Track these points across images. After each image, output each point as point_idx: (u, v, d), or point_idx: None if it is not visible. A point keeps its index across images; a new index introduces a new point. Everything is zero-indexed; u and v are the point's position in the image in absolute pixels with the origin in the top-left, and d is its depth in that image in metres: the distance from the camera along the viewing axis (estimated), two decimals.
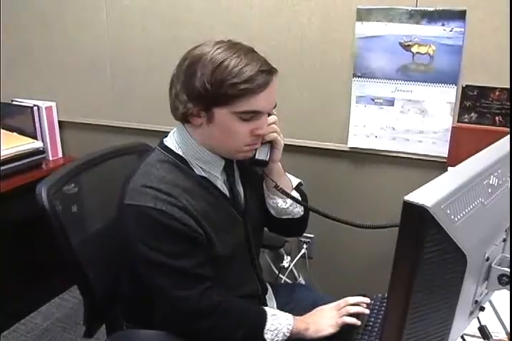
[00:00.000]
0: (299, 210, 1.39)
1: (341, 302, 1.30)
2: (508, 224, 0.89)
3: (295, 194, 1.37)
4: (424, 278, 0.68)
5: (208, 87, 1.11)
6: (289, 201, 1.35)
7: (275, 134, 1.26)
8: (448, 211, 0.67)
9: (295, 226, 1.46)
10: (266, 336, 1.20)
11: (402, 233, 0.66)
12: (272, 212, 1.38)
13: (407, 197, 0.64)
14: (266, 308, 1.27)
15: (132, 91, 2.29)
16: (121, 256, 1.28)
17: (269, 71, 1.14)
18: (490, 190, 0.78)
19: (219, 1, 2.00)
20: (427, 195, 0.65)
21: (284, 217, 1.39)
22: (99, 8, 2.20)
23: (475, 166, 0.77)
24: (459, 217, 0.69)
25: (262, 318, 1.22)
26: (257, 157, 1.25)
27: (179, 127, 1.24)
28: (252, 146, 1.21)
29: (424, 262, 0.66)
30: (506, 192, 0.84)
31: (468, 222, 0.71)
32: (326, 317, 1.27)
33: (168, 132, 1.28)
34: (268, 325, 1.21)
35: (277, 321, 1.22)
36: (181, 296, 1.16)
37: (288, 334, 1.22)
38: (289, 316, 1.25)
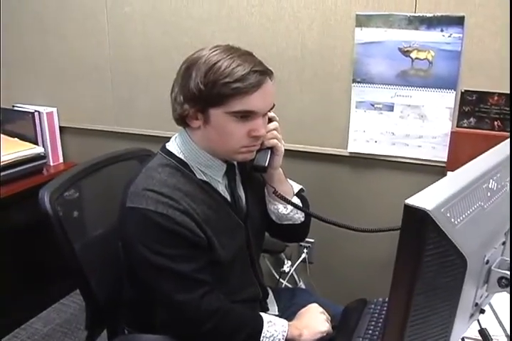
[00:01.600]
0: (299, 216, 1.39)
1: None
2: (508, 228, 0.89)
3: (296, 200, 1.37)
4: (425, 281, 0.69)
5: (201, 88, 1.12)
6: (290, 207, 1.35)
7: (275, 140, 1.26)
8: (448, 214, 0.68)
9: (296, 232, 1.47)
10: None
11: (403, 236, 0.67)
12: (273, 217, 1.39)
13: (407, 201, 0.65)
14: (262, 314, 1.27)
15: (133, 97, 2.30)
16: (122, 260, 1.28)
17: (262, 71, 1.14)
18: (489, 194, 0.79)
19: (219, 8, 2.01)
20: (427, 198, 0.66)
21: (285, 222, 1.39)
22: (100, 15, 2.22)
23: (474, 170, 0.78)
24: (458, 220, 0.70)
25: (259, 325, 1.22)
26: (255, 162, 1.25)
27: (181, 132, 1.25)
28: (250, 148, 1.21)
29: (424, 265, 0.67)
30: (505, 195, 0.85)
31: (468, 225, 0.72)
32: (316, 318, 1.30)
33: (170, 137, 1.29)
34: (264, 332, 1.21)
35: (273, 328, 1.23)
36: (182, 300, 1.16)
37: None
38: (284, 323, 1.26)
